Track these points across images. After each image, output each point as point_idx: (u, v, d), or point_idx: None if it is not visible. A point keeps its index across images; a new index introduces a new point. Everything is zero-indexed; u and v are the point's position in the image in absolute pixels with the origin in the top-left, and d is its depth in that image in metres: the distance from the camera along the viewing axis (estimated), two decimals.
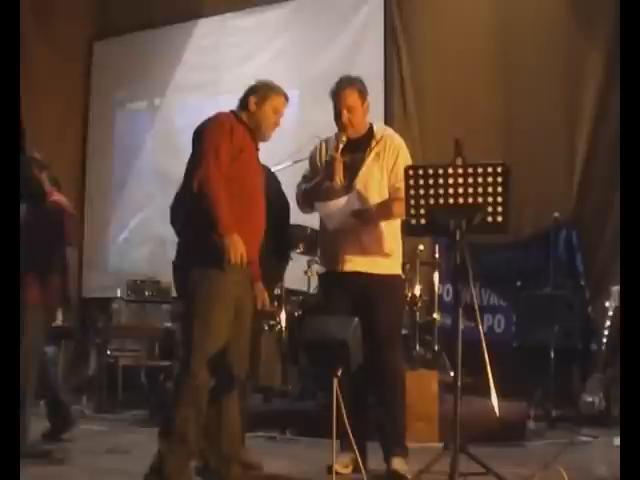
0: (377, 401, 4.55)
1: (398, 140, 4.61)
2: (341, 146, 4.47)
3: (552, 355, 6.47)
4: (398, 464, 4.35)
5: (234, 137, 4.11)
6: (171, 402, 4.01)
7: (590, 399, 6.20)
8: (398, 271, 4.61)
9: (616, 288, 6.17)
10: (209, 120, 4.20)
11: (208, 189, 3.95)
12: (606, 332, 6.37)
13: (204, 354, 3.94)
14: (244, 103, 4.28)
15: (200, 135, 4.14)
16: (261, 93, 4.27)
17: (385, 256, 4.49)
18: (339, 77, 4.61)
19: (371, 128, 4.61)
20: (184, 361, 3.99)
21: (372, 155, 4.53)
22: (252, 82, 4.37)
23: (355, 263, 4.46)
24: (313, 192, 4.57)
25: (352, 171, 4.50)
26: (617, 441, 5.03)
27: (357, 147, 4.53)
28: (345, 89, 4.52)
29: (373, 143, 4.55)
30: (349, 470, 4.44)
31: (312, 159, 4.73)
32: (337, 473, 3.76)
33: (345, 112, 4.50)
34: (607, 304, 6.38)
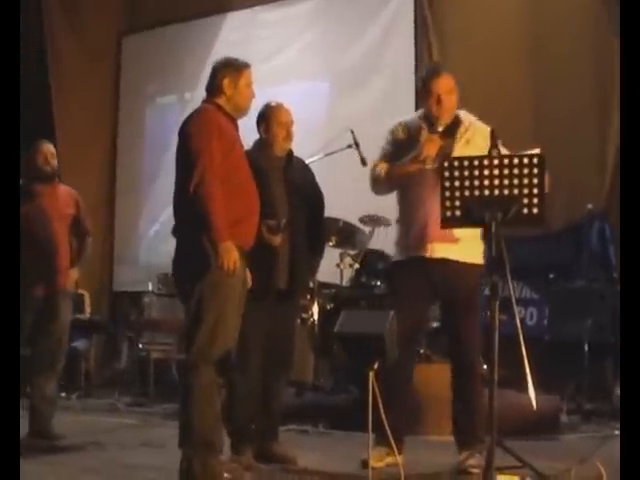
0: (454, 395, 4.50)
1: (485, 127, 4.44)
2: (440, 129, 4.40)
3: (586, 349, 6.41)
4: (468, 458, 4.20)
5: (223, 133, 4.01)
6: (185, 408, 3.94)
7: None
8: (480, 260, 4.47)
9: None
10: (194, 117, 4.08)
11: (203, 192, 3.85)
12: None
13: (213, 355, 3.89)
14: (218, 88, 4.14)
15: (188, 134, 4.02)
16: (231, 73, 4.14)
17: (455, 242, 4.39)
18: (426, 66, 4.50)
19: (457, 115, 4.54)
20: (193, 363, 3.90)
21: (462, 141, 4.46)
22: (214, 64, 4.22)
23: (442, 249, 4.38)
24: (399, 171, 4.46)
25: (442, 157, 4.31)
26: None
27: (446, 133, 4.45)
28: (441, 74, 4.49)
29: (462, 129, 4.49)
30: (384, 464, 4.38)
31: (394, 135, 4.58)
32: (372, 468, 3.72)
33: (446, 96, 4.43)
34: None
